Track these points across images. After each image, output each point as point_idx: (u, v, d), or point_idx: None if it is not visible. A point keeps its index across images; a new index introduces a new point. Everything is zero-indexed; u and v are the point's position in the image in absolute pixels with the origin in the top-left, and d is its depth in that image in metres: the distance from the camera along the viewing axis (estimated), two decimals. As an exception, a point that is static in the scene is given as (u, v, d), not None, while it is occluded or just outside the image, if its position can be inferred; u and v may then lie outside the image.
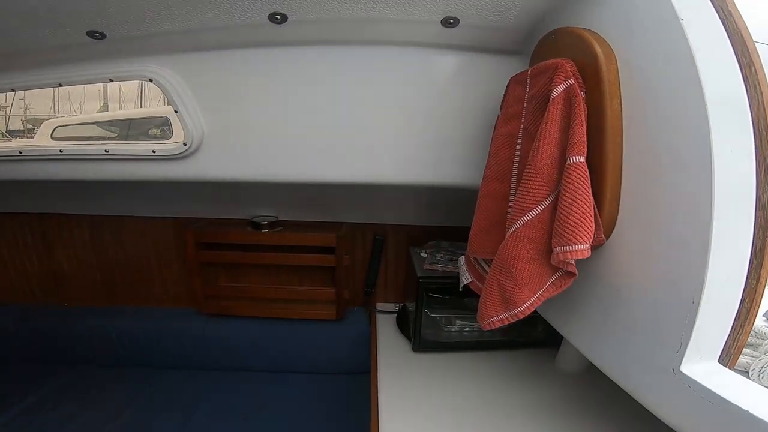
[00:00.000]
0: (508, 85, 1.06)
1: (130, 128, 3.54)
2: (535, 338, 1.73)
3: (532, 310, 0.87)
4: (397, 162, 1.33)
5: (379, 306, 2.22)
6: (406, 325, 1.86)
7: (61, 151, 1.31)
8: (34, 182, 2.05)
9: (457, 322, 1.71)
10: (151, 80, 1.18)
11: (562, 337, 1.62)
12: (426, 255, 1.87)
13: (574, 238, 0.73)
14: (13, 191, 2.13)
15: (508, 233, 0.86)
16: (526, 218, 0.83)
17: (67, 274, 2.32)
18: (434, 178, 1.35)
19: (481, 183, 1.09)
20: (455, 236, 2.05)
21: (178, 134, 1.30)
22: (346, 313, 2.18)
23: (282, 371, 2.22)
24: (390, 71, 1.22)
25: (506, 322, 0.91)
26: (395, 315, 2.07)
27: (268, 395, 2.06)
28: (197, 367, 2.24)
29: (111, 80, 1.19)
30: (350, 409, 1.95)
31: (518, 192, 0.86)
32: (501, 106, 1.08)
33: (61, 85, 1.20)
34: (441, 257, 1.81)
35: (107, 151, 1.29)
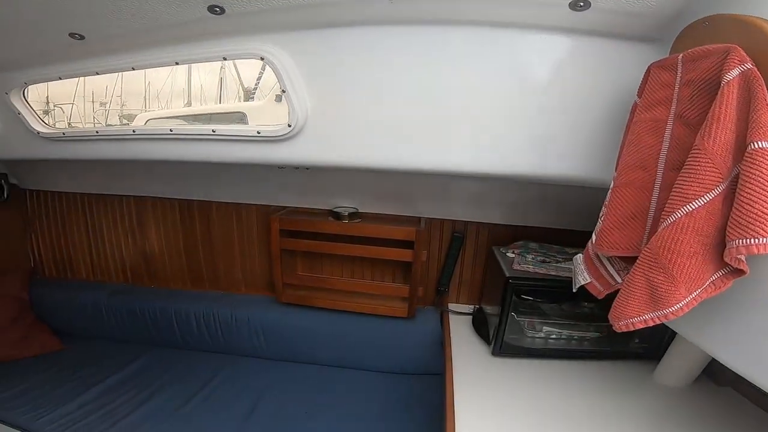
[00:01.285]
0: (649, 71, 0.95)
1: (210, 122, 3.69)
2: (630, 350, 1.60)
3: (687, 311, 0.75)
4: (502, 153, 1.24)
5: (452, 306, 2.14)
6: (483, 328, 1.76)
7: (171, 130, 1.34)
8: (132, 166, 2.18)
9: (544, 327, 1.62)
10: (262, 58, 1.18)
11: (663, 350, 1.49)
12: (513, 255, 1.76)
13: (761, 229, 0.61)
14: (115, 175, 2.26)
15: (664, 225, 0.75)
16: (689, 207, 0.72)
17: (157, 257, 2.43)
18: (542, 171, 1.24)
19: (615, 173, 0.97)
20: (542, 237, 1.93)
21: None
22: (417, 312, 2.10)
23: (348, 367, 2.19)
24: (502, 55, 1.14)
25: (651, 324, 0.81)
26: (470, 317, 1.99)
27: (332, 390, 2.03)
28: (268, 357, 2.25)
29: (224, 59, 1.19)
30: (416, 410, 1.88)
31: (679, 180, 0.75)
32: (639, 92, 0.97)
33: (177, 64, 1.22)
34: (532, 258, 1.69)
35: (214, 131, 1.30)
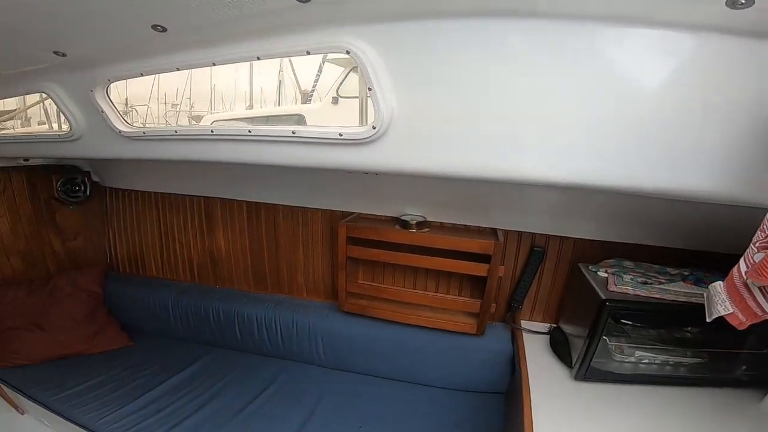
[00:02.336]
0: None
1: (268, 124, 3.70)
2: (734, 377, 1.43)
3: None
4: (627, 163, 1.02)
5: (525, 324, 1.93)
6: (563, 349, 1.61)
7: (250, 131, 1.26)
8: (203, 167, 2.16)
9: (636, 352, 1.46)
10: (348, 52, 1.05)
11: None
12: (606, 275, 1.54)
13: None
14: (187, 175, 2.26)
15: None
16: None
17: (223, 257, 2.41)
18: (671, 187, 1.01)
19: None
20: (633, 255, 1.69)
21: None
22: (486, 328, 1.91)
23: (406, 380, 2.05)
24: (628, 55, 0.93)
25: None
26: (545, 336, 1.81)
27: (389, 403, 1.90)
28: (326, 365, 2.16)
29: (308, 52, 1.08)
30: (475, 429, 1.74)
31: None
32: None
33: (259, 59, 1.13)
34: (630, 279, 1.46)
35: (294, 133, 1.20)
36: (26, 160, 1.95)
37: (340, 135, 1.17)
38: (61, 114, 1.54)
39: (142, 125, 1.47)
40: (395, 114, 1.12)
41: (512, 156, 1.09)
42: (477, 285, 1.95)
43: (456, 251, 1.76)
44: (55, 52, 1.23)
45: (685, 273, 1.52)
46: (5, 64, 1.32)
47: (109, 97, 1.43)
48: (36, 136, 1.70)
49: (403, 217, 1.90)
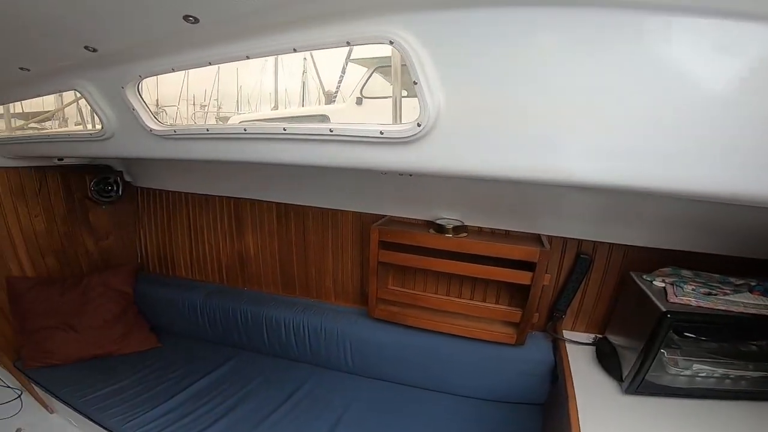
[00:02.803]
0: None
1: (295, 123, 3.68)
2: None
3: None
4: (703, 166, 0.88)
5: (567, 334, 1.80)
6: (611, 362, 1.52)
7: (284, 129, 1.17)
8: (233, 168, 2.11)
9: (694, 365, 1.37)
10: (392, 42, 0.95)
11: None
12: (664, 284, 1.41)
13: None
14: (217, 176, 2.22)
15: None
16: None
17: (252, 259, 2.35)
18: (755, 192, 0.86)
19: None
20: (690, 263, 1.54)
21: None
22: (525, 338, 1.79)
23: (437, 390, 1.96)
24: (698, 50, 0.79)
25: None
26: (589, 347, 1.70)
27: (418, 414, 1.82)
28: (354, 372, 2.08)
29: (348, 43, 0.99)
30: None
31: None
32: None
33: (295, 50, 1.04)
34: (692, 290, 1.33)
35: (331, 131, 1.11)
36: (60, 159, 1.94)
37: (381, 133, 1.07)
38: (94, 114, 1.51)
39: (172, 124, 1.41)
40: (442, 110, 1.01)
41: (568, 157, 0.96)
42: (516, 293, 1.84)
43: (497, 258, 1.64)
44: (86, 47, 1.17)
45: (752, 283, 1.38)
46: (36, 60, 1.28)
47: (140, 95, 1.38)
48: (69, 135, 1.67)
49: (438, 221, 1.79)
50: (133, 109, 1.38)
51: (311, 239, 2.17)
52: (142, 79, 1.32)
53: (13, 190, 2.04)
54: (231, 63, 1.20)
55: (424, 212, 1.89)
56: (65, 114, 2.25)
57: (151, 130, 1.41)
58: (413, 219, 1.95)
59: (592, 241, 1.69)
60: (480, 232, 1.84)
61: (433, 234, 1.76)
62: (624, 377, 1.40)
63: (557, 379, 1.67)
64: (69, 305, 2.07)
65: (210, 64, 1.20)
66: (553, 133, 0.96)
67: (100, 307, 2.14)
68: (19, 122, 2.06)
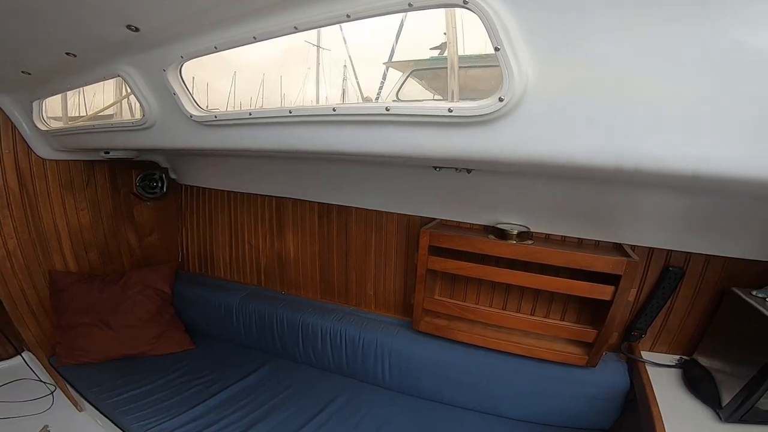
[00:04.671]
0: None
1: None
2: None
3: None
4: None
5: (646, 355, 1.52)
6: (705, 387, 1.31)
7: (334, 110, 1.00)
8: (275, 164, 1.98)
9: None
10: (466, 2, 0.75)
11: None
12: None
13: None
14: (258, 172, 2.09)
15: None
16: None
17: (291, 261, 2.20)
18: None
19: None
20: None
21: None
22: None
23: (484, 411, 1.73)
24: None
25: None
26: (677, 370, 1.45)
27: None
28: (391, 387, 1.87)
29: (410, 5, 0.80)
30: None
31: None
32: None
33: (349, 17, 0.87)
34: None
35: (388, 110, 0.92)
36: (107, 152, 1.88)
37: (450, 111, 0.87)
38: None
39: (212, 109, 1.27)
40: (530, 83, 0.80)
41: (697, 145, 0.73)
42: (586, 309, 1.59)
43: (569, 269, 1.39)
44: (128, 27, 1.06)
45: None
46: (81, 43, 1.19)
47: (182, 78, 1.25)
48: (112, 124, 1.60)
49: (499, 226, 1.55)
50: (174, 93, 1.25)
51: (353, 242, 1.99)
52: (184, 61, 1.19)
53: (63, 182, 2.00)
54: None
55: (482, 216, 1.66)
56: (122, 114, 2.22)
57: (191, 116, 1.28)
58: (468, 223, 1.72)
59: (685, 252, 1.40)
60: (547, 239, 1.59)
61: (493, 240, 1.52)
62: (724, 404, 1.21)
63: (631, 404, 1.47)
64: (107, 302, 1.99)
65: (255, 39, 1.04)
66: (675, 114, 0.72)
67: (138, 306, 2.04)
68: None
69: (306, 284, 2.20)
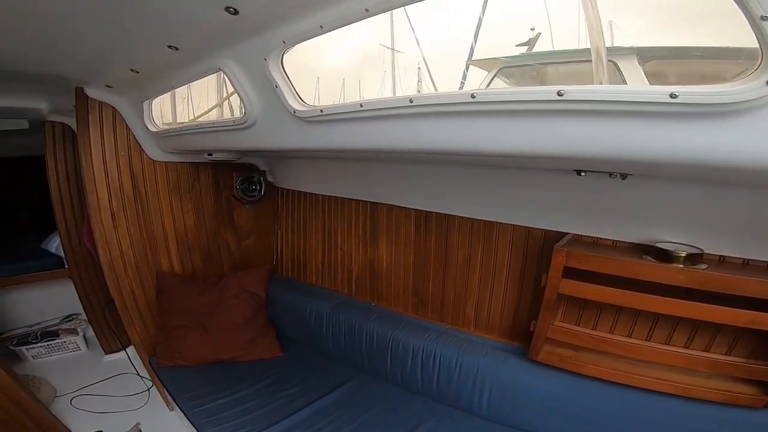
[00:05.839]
0: None
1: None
2: None
3: None
4: None
5: None
6: None
7: (473, 96, 0.74)
8: (372, 166, 1.78)
9: None
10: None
11: None
12: None
13: None
14: (355, 175, 1.91)
15: None
16: None
17: (384, 271, 1.99)
18: None
19: None
20: None
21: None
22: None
23: None
24: None
25: None
26: None
27: None
28: (488, 417, 1.57)
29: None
30: None
31: None
32: None
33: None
34: None
35: (561, 94, 0.63)
36: (210, 154, 1.84)
37: (673, 97, 0.55)
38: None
39: (317, 105, 1.08)
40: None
41: None
42: (762, 342, 1.16)
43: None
44: (227, 9, 0.92)
45: None
46: (181, 34, 1.09)
47: (283, 68, 1.09)
48: (213, 124, 1.52)
49: (660, 245, 1.16)
50: (276, 86, 1.09)
51: (453, 255, 1.72)
52: (287, 47, 1.02)
53: (171, 185, 2.01)
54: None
55: (633, 232, 1.28)
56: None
57: (294, 112, 1.11)
58: (609, 240, 1.35)
59: None
60: (721, 262, 1.17)
61: (652, 263, 1.14)
62: None
63: None
64: (206, 306, 1.95)
65: (368, 12, 0.82)
66: None
67: (233, 309, 1.98)
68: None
69: (397, 296, 1.97)
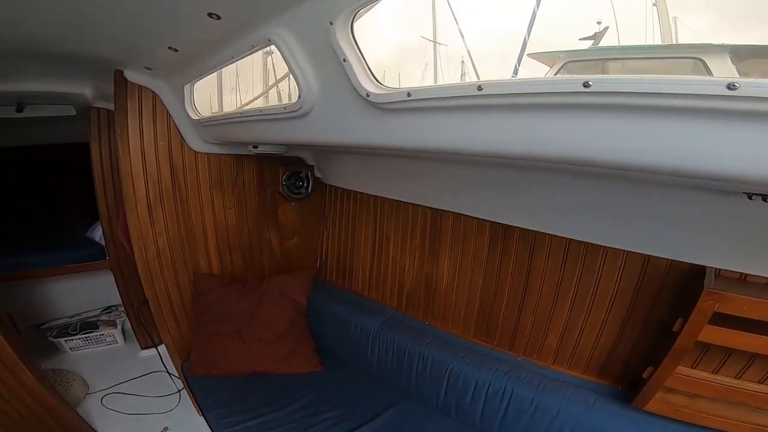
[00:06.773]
0: None
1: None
2: None
3: None
4: None
5: None
6: None
7: (587, 84, 0.43)
8: (431, 166, 1.49)
9: None
10: None
11: None
12: None
13: None
14: (415, 175, 1.63)
15: None
16: None
17: (442, 288, 1.70)
18: None
19: None
20: None
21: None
22: None
23: None
24: None
25: None
26: None
27: None
28: None
29: None
30: None
31: None
32: None
33: None
34: None
35: (733, 89, 0.33)
36: (255, 147, 1.62)
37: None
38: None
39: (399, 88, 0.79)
40: None
41: None
42: None
43: None
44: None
45: None
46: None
47: (354, 38, 0.81)
48: (261, 111, 1.29)
49: None
50: (344, 60, 0.82)
51: (537, 277, 1.41)
52: (361, 6, 0.73)
53: (213, 179, 1.83)
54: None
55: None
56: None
57: (368, 95, 0.83)
58: (765, 278, 0.98)
59: None
60: None
61: None
62: None
63: None
64: (245, 312, 1.75)
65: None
66: None
67: (273, 318, 1.77)
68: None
69: (457, 318, 1.68)
